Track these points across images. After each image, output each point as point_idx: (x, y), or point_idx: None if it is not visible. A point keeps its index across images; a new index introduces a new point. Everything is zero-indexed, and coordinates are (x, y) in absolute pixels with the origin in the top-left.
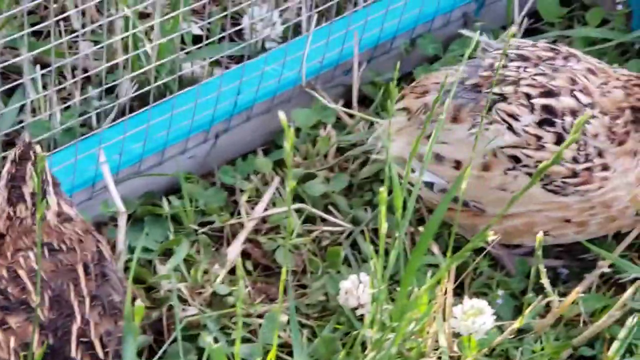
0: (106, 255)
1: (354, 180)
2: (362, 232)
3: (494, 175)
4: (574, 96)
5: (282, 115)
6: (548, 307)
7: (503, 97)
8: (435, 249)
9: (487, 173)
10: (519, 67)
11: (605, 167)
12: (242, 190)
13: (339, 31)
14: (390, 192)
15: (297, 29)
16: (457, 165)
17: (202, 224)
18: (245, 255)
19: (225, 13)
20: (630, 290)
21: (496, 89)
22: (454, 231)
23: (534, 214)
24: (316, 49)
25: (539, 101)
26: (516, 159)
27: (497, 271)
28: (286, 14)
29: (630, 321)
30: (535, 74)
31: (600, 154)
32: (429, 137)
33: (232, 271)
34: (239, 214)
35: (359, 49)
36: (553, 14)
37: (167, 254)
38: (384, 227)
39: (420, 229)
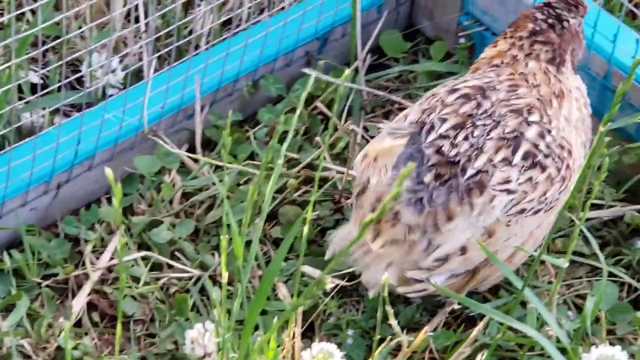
0: None
1: (200, 225)
2: (210, 277)
3: (499, 235)
4: (531, 123)
5: (108, 171)
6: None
7: (481, 172)
8: (283, 291)
9: (492, 238)
10: (461, 135)
11: None
12: (86, 241)
13: (180, 75)
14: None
15: (139, 74)
16: (463, 250)
17: (46, 277)
18: (91, 306)
19: (61, 62)
20: (480, 326)
21: (470, 171)
22: (299, 272)
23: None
24: (157, 95)
25: (518, 156)
26: (521, 211)
27: (346, 312)
28: (127, 59)
29: (480, 357)
30: (488, 130)
31: None
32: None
33: (79, 323)
34: (83, 264)
35: (201, 92)
36: (396, 49)
37: (10, 309)
38: (225, 276)
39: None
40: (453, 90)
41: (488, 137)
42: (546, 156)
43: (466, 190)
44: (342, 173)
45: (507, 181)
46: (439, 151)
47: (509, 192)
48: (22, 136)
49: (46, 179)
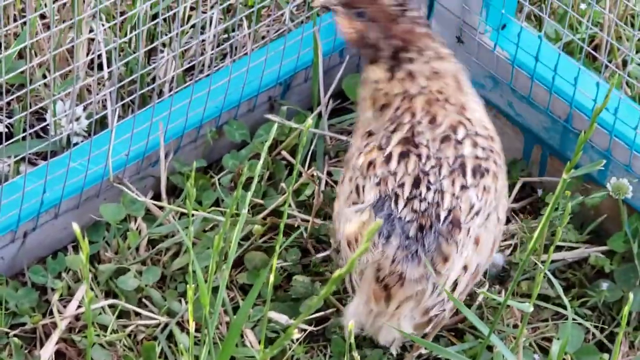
0: None
1: (166, 272)
2: (177, 324)
3: (484, 241)
4: (462, 140)
5: (75, 226)
6: None
7: (452, 211)
8: (251, 338)
9: (478, 247)
10: (423, 188)
11: None
12: (53, 289)
13: (144, 123)
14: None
15: (103, 122)
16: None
17: (13, 326)
18: (59, 355)
19: (26, 112)
20: None
21: (443, 214)
22: (266, 319)
23: None
24: (122, 142)
25: (469, 177)
26: (487, 216)
27: (313, 357)
28: (91, 107)
29: None
30: (438, 171)
31: None
32: None
33: None
34: (51, 313)
35: (165, 139)
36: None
37: None
38: (192, 324)
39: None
40: (388, 157)
41: (441, 178)
42: (486, 159)
43: (448, 232)
44: (307, 221)
45: (472, 206)
46: (413, 210)
47: (477, 213)
48: None
49: (13, 228)
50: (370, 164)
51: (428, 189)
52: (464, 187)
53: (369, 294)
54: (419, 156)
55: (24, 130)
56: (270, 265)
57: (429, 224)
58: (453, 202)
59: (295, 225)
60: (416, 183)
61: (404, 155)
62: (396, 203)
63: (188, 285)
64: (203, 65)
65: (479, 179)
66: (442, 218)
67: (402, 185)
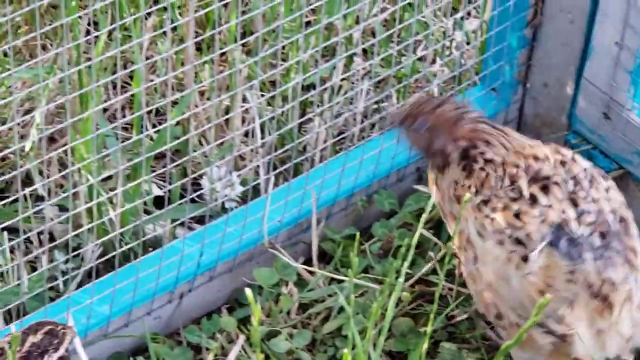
0: None
1: (316, 336)
2: None
3: None
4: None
5: (248, 292)
6: None
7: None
8: None
9: None
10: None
11: None
12: (207, 349)
13: (297, 191)
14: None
15: (256, 188)
16: None
17: None
18: None
19: (185, 179)
20: None
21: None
22: None
23: None
24: (275, 209)
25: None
26: None
27: None
28: (245, 174)
29: None
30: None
31: None
32: None
33: None
34: None
35: (317, 207)
36: None
37: None
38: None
39: None
40: (533, 197)
41: (587, 189)
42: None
43: (624, 229)
44: (452, 289)
45: (622, 201)
46: (587, 224)
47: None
48: (145, 246)
49: (170, 289)
50: (517, 215)
51: (586, 202)
52: (607, 189)
53: (591, 315)
54: (556, 184)
55: (181, 196)
56: (417, 331)
57: (607, 229)
58: (610, 204)
59: (443, 294)
60: (573, 202)
61: (545, 189)
62: (569, 226)
63: (345, 351)
64: (353, 135)
65: (609, 179)
66: (611, 220)
67: (564, 211)
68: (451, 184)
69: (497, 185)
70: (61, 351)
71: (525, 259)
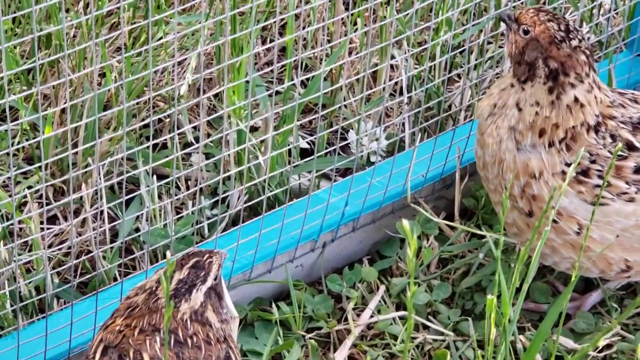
0: None
1: (455, 290)
2: (464, 341)
3: None
4: None
5: (405, 222)
6: None
7: None
8: (537, 356)
9: None
10: None
11: None
12: (348, 298)
13: (442, 146)
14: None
15: (401, 143)
16: None
17: (309, 330)
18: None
19: (333, 129)
20: None
21: None
22: (555, 343)
23: None
24: (420, 164)
25: None
26: None
27: None
28: (390, 129)
29: None
30: None
31: None
32: None
33: None
34: (345, 320)
35: (461, 163)
36: None
37: (276, 358)
38: (492, 334)
39: (521, 337)
40: None
41: None
42: None
43: None
44: None
45: None
46: None
47: None
48: (290, 197)
49: (314, 238)
50: (637, 170)
51: None
52: None
53: None
54: None
55: (326, 148)
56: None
57: None
58: None
59: None
60: None
61: None
62: None
63: (489, 297)
64: None
65: None
66: None
67: None
68: (533, 105)
69: (598, 143)
70: (209, 282)
71: None
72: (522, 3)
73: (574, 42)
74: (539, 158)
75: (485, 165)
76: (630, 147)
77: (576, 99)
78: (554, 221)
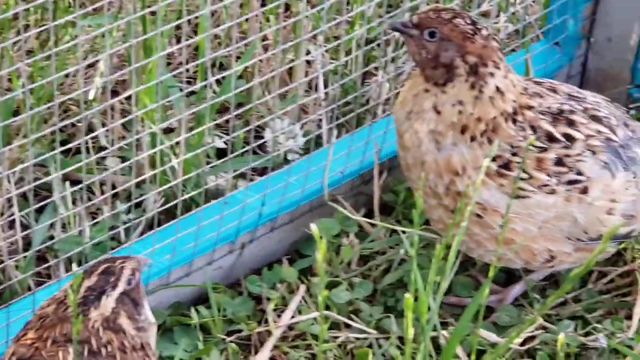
0: None
1: (377, 287)
2: (386, 338)
3: None
4: None
5: (313, 227)
6: None
7: None
8: (458, 350)
9: None
10: None
11: None
12: (268, 299)
13: (359, 142)
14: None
15: (318, 140)
16: None
17: (230, 333)
18: None
19: (248, 127)
20: None
21: None
22: (477, 336)
23: None
24: (337, 160)
25: None
26: None
27: None
28: (307, 126)
29: None
30: None
31: None
32: None
33: None
34: (266, 322)
35: (380, 159)
36: None
37: None
38: (410, 333)
39: (444, 332)
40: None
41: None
42: None
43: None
44: None
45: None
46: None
47: None
48: (207, 199)
49: (231, 239)
50: (559, 162)
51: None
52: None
53: None
54: (573, 112)
55: (243, 147)
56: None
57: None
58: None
59: None
60: (596, 119)
61: (571, 124)
62: (615, 136)
63: (407, 295)
64: None
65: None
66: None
67: (599, 131)
68: (456, 104)
69: (518, 135)
70: (120, 287)
71: (584, 191)
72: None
73: (484, 32)
74: (461, 154)
75: (408, 167)
76: (550, 138)
77: (497, 88)
78: (479, 216)
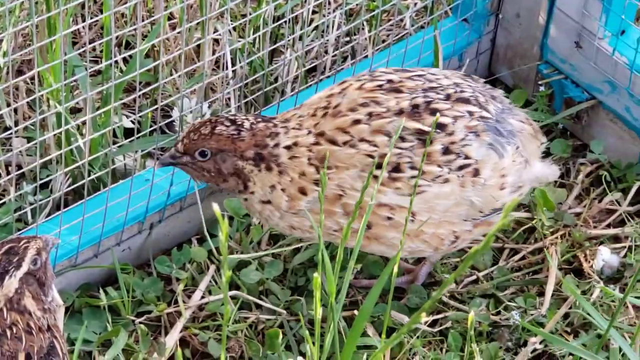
0: (59, 351)
1: (287, 267)
2: (297, 320)
3: None
4: None
5: (215, 207)
6: None
7: None
8: (370, 330)
9: None
10: None
11: None
12: (178, 280)
13: None
14: None
15: None
16: None
17: (139, 314)
18: (183, 343)
19: (155, 107)
20: None
21: None
22: (388, 313)
23: None
24: None
25: None
26: None
27: (431, 350)
28: (215, 104)
29: None
30: None
31: None
32: None
33: (170, 359)
34: (176, 303)
35: None
36: None
37: (106, 344)
38: (319, 312)
39: (355, 311)
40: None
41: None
42: None
43: None
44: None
45: None
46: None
47: None
48: (115, 179)
49: (140, 219)
50: (447, 150)
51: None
52: None
53: None
54: (430, 102)
55: (151, 126)
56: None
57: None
58: None
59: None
60: (463, 100)
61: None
62: (488, 113)
63: (315, 275)
64: (324, 67)
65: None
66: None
67: (470, 113)
68: (275, 189)
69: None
70: (24, 267)
71: (476, 173)
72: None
73: (246, 123)
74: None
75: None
76: (421, 132)
77: (288, 147)
78: (389, 218)
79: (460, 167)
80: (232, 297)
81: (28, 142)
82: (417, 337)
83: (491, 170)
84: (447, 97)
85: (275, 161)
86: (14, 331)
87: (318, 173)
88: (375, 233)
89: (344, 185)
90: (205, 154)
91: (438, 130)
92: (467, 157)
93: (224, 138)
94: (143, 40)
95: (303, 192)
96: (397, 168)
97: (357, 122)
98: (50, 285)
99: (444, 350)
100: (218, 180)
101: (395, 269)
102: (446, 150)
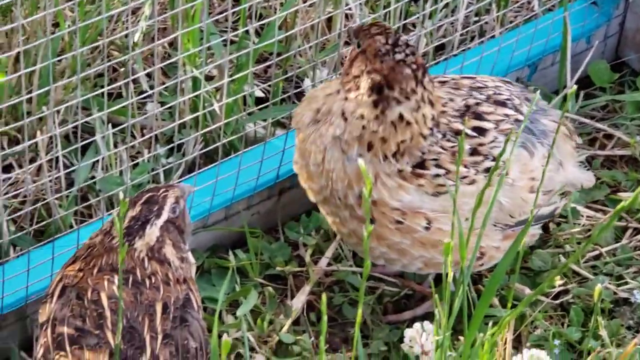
0: (194, 304)
1: None
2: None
3: None
4: None
5: (361, 162)
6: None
7: None
8: (496, 301)
9: None
10: None
11: None
12: (305, 245)
13: None
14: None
15: None
16: None
17: (266, 277)
18: (309, 307)
19: (287, 75)
20: None
21: None
22: (514, 283)
23: None
24: None
25: None
26: None
27: (551, 324)
28: None
29: None
30: None
31: None
32: None
33: (296, 322)
34: (302, 266)
35: None
36: (604, 80)
37: (233, 305)
38: (450, 276)
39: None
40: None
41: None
42: None
43: None
44: None
45: None
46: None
47: None
48: (246, 145)
49: (270, 185)
50: (474, 151)
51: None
52: None
53: None
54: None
55: (281, 96)
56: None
57: None
58: None
59: None
60: (500, 103)
61: (479, 117)
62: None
63: (446, 241)
64: (452, 45)
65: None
66: None
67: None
68: (359, 118)
69: (431, 140)
70: (164, 215)
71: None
72: None
73: (399, 56)
74: (370, 164)
75: (310, 176)
76: (458, 134)
77: (401, 117)
78: (399, 222)
79: (487, 170)
80: (358, 265)
81: (162, 106)
82: (539, 310)
83: (520, 171)
84: (488, 98)
85: (383, 107)
86: (153, 281)
87: None
88: (379, 232)
89: None
90: (360, 46)
91: (475, 134)
92: (494, 159)
93: (373, 46)
94: (276, 12)
95: (369, 147)
96: (421, 164)
97: None
98: (188, 232)
99: (565, 325)
100: (345, 69)
101: (525, 239)
102: (474, 152)
